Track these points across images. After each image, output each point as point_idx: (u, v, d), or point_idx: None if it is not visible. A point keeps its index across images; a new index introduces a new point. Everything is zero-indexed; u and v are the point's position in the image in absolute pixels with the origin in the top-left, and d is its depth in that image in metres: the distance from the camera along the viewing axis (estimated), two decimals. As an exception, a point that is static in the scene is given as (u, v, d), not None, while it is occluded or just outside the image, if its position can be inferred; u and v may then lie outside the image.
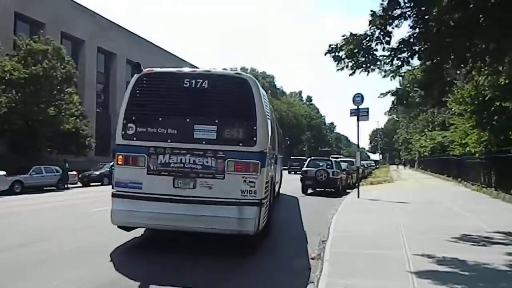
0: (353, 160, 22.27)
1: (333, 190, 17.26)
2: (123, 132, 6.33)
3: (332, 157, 24.68)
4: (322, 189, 17.62)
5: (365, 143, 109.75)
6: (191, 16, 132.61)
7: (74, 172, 24.14)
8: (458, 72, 8.86)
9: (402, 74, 8.51)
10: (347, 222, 9.06)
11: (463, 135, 17.35)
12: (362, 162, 27.70)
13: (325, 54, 7.69)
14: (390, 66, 7.84)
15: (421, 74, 8.56)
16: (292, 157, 46.66)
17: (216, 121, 6.18)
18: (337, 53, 7.63)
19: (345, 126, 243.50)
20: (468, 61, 7.60)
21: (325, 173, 17.08)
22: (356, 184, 15.96)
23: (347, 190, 18.45)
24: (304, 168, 18.23)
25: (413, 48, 7.47)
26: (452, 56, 7.52)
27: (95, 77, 41.30)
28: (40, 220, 10.13)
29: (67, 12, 35.90)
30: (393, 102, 9.99)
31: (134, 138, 6.28)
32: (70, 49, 34.36)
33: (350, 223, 8.95)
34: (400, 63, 7.78)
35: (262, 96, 6.67)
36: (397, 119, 72.82)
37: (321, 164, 18.30)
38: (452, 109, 18.02)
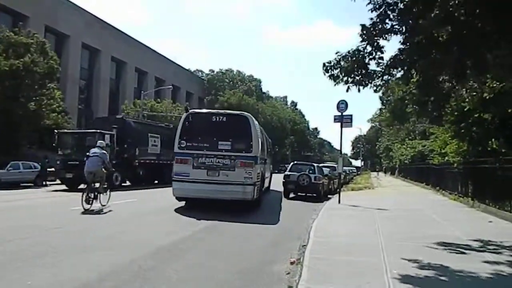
0: (335, 165, 22.44)
1: (315, 195, 17.35)
2: (179, 146, 11.30)
3: (326, 164, 25.24)
4: (304, 194, 17.70)
5: (347, 150, 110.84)
6: (180, 15, 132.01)
7: (53, 169, 23.54)
8: (453, 86, 8.92)
9: (390, 87, 8.60)
10: (327, 227, 9.10)
11: (442, 144, 17.67)
12: (344, 168, 27.92)
13: (324, 74, 7.81)
14: (381, 81, 7.92)
15: (414, 89, 8.60)
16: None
17: (230, 139, 11.16)
18: (333, 71, 7.71)
19: (329, 132, 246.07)
20: (462, 75, 7.67)
21: (307, 178, 17.15)
22: (338, 190, 16.07)
23: (329, 196, 18.55)
24: (286, 172, 18.29)
25: (405, 63, 7.52)
26: (444, 72, 7.60)
27: (79, 73, 40.71)
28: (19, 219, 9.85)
29: (53, 5, 35.29)
30: (387, 116, 10.02)
31: (185, 149, 11.21)
32: (54, 44, 33.75)
33: (331, 228, 8.98)
34: (390, 78, 7.87)
35: (256, 125, 12.03)
36: (379, 127, 73.82)
37: (303, 169, 18.38)
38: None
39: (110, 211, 11.08)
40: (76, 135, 20.68)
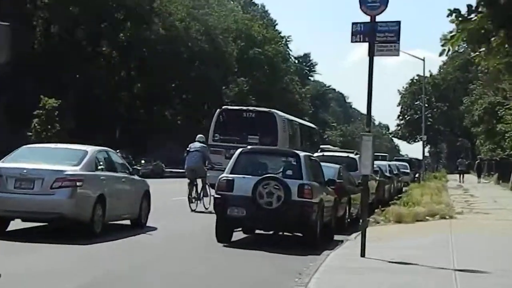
0: (355, 157, 22.79)
1: (301, 234, 17.67)
2: (213, 139, 45.11)
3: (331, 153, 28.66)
4: (271, 232, 17.93)
5: (388, 116, 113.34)
6: None
7: None
8: None
9: None
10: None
11: None
12: (379, 163, 28.31)
13: None
14: None
15: None
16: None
17: (258, 133, 44.40)
18: None
19: (339, 79, 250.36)
20: None
21: (280, 191, 17.03)
22: (360, 221, 16.23)
23: (335, 238, 18.89)
24: (223, 175, 18.58)
25: None
26: None
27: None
28: None
29: None
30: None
31: (218, 141, 45.20)
32: None
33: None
34: None
35: (282, 119, 48.58)
36: (469, 55, 75.57)
37: (269, 165, 18.46)
38: None
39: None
40: None
